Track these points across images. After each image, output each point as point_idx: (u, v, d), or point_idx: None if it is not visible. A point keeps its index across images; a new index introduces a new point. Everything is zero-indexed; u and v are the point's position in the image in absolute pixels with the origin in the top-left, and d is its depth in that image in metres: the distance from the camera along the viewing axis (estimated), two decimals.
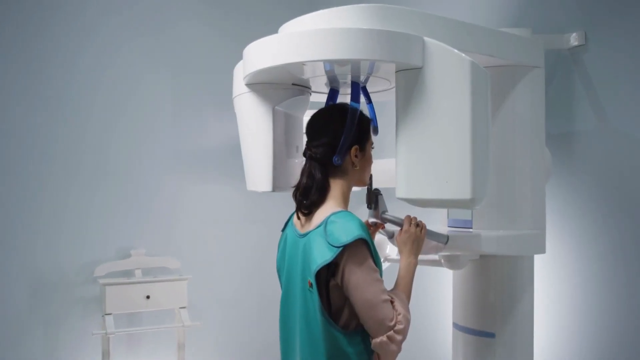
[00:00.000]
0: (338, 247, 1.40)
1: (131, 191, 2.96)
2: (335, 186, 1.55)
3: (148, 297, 2.75)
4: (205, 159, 3.13)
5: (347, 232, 1.41)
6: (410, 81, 1.50)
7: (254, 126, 1.77)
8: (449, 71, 1.45)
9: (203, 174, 3.14)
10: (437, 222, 2.02)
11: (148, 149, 3.01)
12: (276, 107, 1.73)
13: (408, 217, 1.62)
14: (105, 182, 2.91)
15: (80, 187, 2.85)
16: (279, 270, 1.68)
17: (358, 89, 1.62)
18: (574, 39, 1.98)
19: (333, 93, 1.73)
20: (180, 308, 2.84)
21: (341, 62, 1.49)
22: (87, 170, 2.87)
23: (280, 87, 1.73)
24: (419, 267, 1.60)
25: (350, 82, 1.67)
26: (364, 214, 1.68)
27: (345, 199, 1.57)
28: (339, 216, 1.47)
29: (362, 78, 1.65)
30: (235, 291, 3.23)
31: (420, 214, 1.70)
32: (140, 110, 2.99)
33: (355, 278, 1.41)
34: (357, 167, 1.57)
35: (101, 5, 2.90)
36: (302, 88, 1.80)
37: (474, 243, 1.72)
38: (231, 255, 3.22)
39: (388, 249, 2.02)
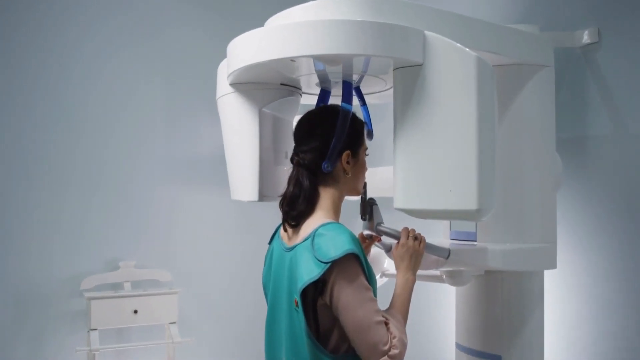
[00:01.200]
0: (326, 262, 1.27)
1: (121, 201, 2.86)
2: (326, 195, 1.43)
3: (136, 311, 2.62)
4: (198, 168, 3.03)
5: (336, 246, 1.28)
6: (410, 80, 1.39)
7: (239, 130, 1.66)
8: (453, 68, 1.34)
9: (196, 183, 3.03)
10: (438, 234, 1.89)
11: (140, 157, 2.92)
12: (263, 109, 1.62)
13: (405, 229, 1.49)
14: (95, 191, 2.81)
15: (67, 196, 2.76)
16: (264, 287, 1.55)
17: (350, 88, 1.49)
18: (586, 36, 1.88)
19: (324, 94, 1.60)
20: (170, 323, 2.71)
21: (332, 59, 1.36)
22: (75, 179, 2.78)
23: (268, 87, 1.62)
24: (418, 283, 1.47)
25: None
26: (360, 227, 1.55)
27: (336, 210, 1.44)
28: (328, 228, 1.34)
29: (355, 77, 1.52)
30: (229, 305, 3.10)
31: (420, 226, 1.57)
32: (131, 118, 2.90)
33: (346, 297, 1.28)
34: (349, 175, 1.44)
35: (92, 13, 2.83)
36: (291, 89, 1.68)
37: (479, 258, 1.60)
38: (225, 268, 3.10)
39: (386, 263, 1.89)
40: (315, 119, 1.46)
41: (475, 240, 1.74)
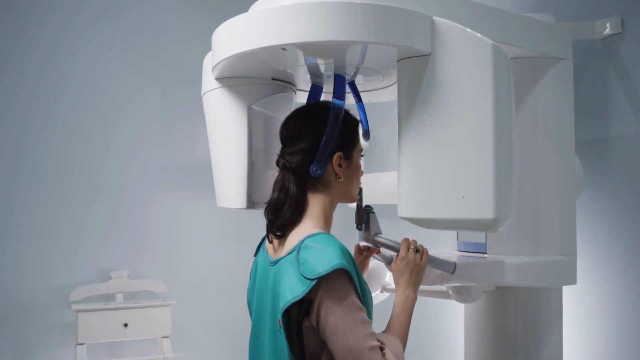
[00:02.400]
0: (312, 279, 1.12)
1: (115, 208, 2.77)
2: (315, 202, 1.28)
3: (126, 325, 2.50)
4: (195, 175, 2.92)
5: (323, 260, 1.13)
6: (416, 72, 1.24)
7: (226, 128, 1.52)
8: (466, 58, 1.19)
9: (193, 190, 2.92)
10: (443, 245, 1.73)
11: (134, 163, 2.83)
12: (253, 105, 1.47)
13: (405, 240, 1.33)
14: (87, 198, 2.72)
15: (58, 203, 2.66)
16: (249, 305, 1.41)
17: (343, 82, 1.34)
18: (608, 27, 1.74)
19: (315, 90, 1.45)
20: (163, 337, 2.59)
21: (325, 48, 1.21)
22: (67, 184, 2.69)
23: (258, 82, 1.48)
24: (420, 298, 1.31)
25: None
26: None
27: (327, 218, 1.29)
28: (315, 240, 1.18)
29: (349, 70, 1.37)
30: (226, 318, 2.96)
31: (425, 237, 1.41)
32: (126, 124, 2.82)
33: (334, 319, 1.12)
34: (342, 179, 1.29)
35: (86, 20, 2.76)
36: (284, 84, 1.54)
37: (489, 272, 1.44)
38: (223, 278, 2.98)
39: (387, 277, 1.73)
40: (303, 116, 1.31)
41: (486, 253, 1.59)
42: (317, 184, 1.28)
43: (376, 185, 1.80)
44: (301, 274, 1.14)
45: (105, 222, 2.73)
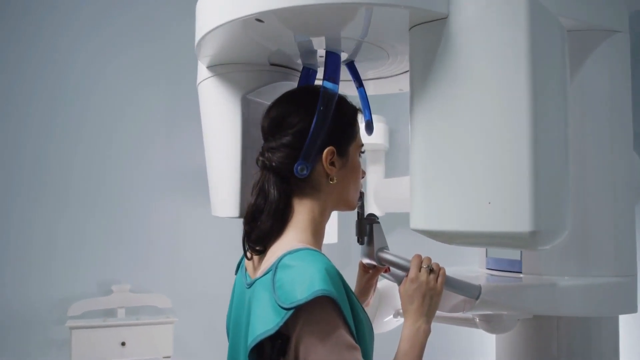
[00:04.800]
0: (287, 308, 0.87)
1: (117, 217, 2.60)
2: (301, 210, 1.03)
3: (123, 343, 2.30)
4: (202, 181, 2.68)
5: (303, 285, 0.88)
6: (430, 41, 0.99)
7: (217, 122, 1.30)
8: (492, 20, 0.94)
9: (200, 197, 2.69)
10: (470, 261, 1.44)
11: (137, 168, 2.67)
12: (248, 95, 1.24)
13: (417, 257, 1.07)
14: (86, 205, 2.56)
15: (56, 211, 2.51)
16: (227, 332, 1.16)
17: (336, 61, 1.09)
18: None
19: (308, 74, 1.20)
20: (165, 358, 2.37)
21: (313, 17, 0.97)
22: (66, 192, 2.54)
23: (254, 68, 1.26)
24: (437, 325, 1.04)
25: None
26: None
27: (316, 230, 1.04)
28: (295, 257, 0.93)
29: (347, 47, 1.12)
30: None
31: (447, 251, 1.14)
32: (128, 127, 2.66)
33: None
34: (335, 181, 1.03)
35: (87, 18, 2.62)
36: (286, 70, 1.30)
37: (524, 298, 1.17)
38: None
39: None
40: (287, 103, 1.07)
41: (521, 272, 1.29)
42: (304, 187, 1.04)
43: (398, 190, 1.55)
44: (276, 302, 0.89)
45: (107, 231, 2.58)
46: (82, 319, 2.39)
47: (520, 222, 0.92)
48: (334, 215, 2.00)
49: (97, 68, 2.61)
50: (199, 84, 1.37)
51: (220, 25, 1.03)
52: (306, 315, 0.87)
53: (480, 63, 0.95)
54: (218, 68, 1.27)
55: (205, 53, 1.21)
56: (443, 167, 1.00)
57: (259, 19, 0.99)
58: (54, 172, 2.52)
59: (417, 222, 1.05)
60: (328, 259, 0.94)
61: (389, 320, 1.44)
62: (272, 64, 1.26)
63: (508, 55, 0.92)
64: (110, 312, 2.48)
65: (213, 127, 1.33)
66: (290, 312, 0.87)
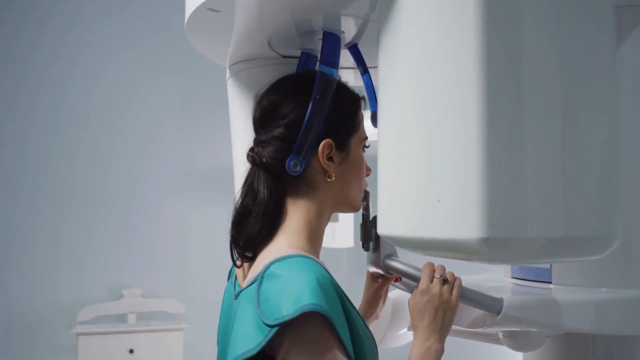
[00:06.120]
0: (272, 325, 0.75)
1: (127, 219, 2.58)
2: (296, 211, 0.92)
3: (132, 351, 2.25)
4: (215, 181, 2.66)
5: (290, 298, 0.76)
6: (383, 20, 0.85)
7: (235, 124, 1.27)
8: None
9: (213, 198, 2.64)
10: (491, 268, 1.30)
11: (148, 169, 2.63)
12: (260, 91, 1.15)
13: (429, 265, 0.94)
14: (97, 207, 2.53)
15: (66, 213, 2.49)
16: (217, 344, 1.05)
17: (335, 43, 0.96)
18: None
19: (307, 59, 1.08)
20: None
21: None
22: (75, 193, 2.51)
23: (267, 62, 1.16)
24: (453, 339, 0.92)
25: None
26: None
27: (312, 234, 0.92)
28: (284, 265, 0.82)
29: (348, 27, 1.00)
30: None
31: (460, 260, 1.00)
32: (137, 125, 2.63)
33: None
34: (333, 178, 0.91)
35: (93, 9, 2.59)
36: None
37: (553, 313, 1.01)
38: None
39: None
40: (280, 90, 0.95)
41: (551, 282, 1.14)
42: (298, 185, 0.92)
43: None
44: (259, 317, 0.77)
45: (117, 233, 2.54)
46: (91, 324, 2.35)
47: (468, 227, 0.72)
48: (349, 216, 1.87)
49: (103, 62, 2.57)
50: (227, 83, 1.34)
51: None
52: (293, 333, 0.75)
53: (420, 39, 0.79)
54: (233, 67, 1.22)
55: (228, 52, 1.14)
56: (397, 161, 0.84)
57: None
58: (61, 173, 2.50)
59: (381, 227, 0.90)
60: (323, 268, 0.82)
61: (403, 333, 1.31)
62: (284, 56, 1.16)
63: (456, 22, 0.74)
64: (121, 318, 2.43)
65: (232, 126, 1.29)
66: (275, 329, 0.75)
